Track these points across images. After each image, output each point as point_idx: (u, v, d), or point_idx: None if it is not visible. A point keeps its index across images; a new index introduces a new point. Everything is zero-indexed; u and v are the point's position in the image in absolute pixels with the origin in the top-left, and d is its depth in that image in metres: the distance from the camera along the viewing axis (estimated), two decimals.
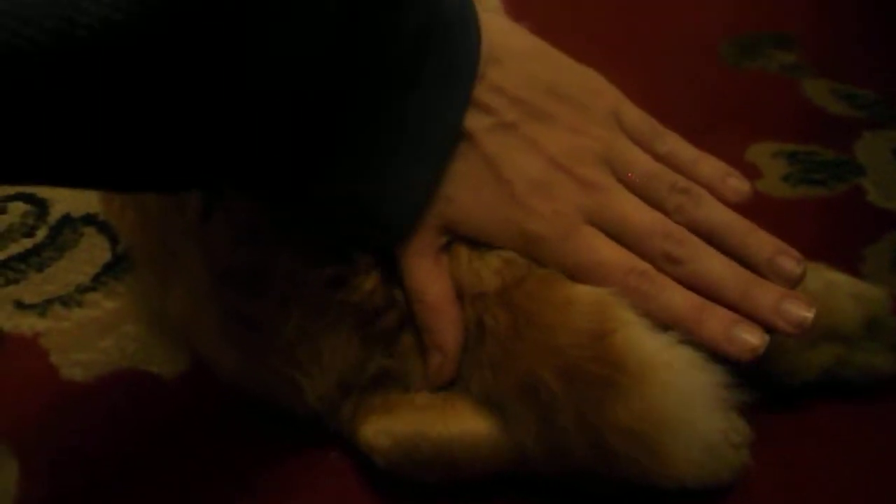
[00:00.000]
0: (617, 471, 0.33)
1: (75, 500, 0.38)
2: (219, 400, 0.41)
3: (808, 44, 0.63)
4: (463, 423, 0.35)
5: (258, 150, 0.32)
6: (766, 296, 0.34)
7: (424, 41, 0.33)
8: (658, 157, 0.37)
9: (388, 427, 0.35)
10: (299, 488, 0.38)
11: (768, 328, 0.34)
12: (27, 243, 0.52)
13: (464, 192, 0.35)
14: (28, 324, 0.47)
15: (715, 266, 0.35)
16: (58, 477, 0.39)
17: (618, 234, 0.35)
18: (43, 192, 0.55)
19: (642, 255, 0.35)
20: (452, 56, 0.34)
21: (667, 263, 0.35)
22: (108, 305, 0.47)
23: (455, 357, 0.35)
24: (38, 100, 0.26)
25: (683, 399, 0.32)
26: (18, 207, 0.54)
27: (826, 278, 0.37)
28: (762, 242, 0.35)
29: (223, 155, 0.31)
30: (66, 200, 0.54)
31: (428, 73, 0.33)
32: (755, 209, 0.37)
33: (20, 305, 0.48)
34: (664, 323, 0.34)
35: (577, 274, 0.35)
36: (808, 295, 0.35)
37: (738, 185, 0.38)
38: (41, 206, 0.54)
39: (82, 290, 0.48)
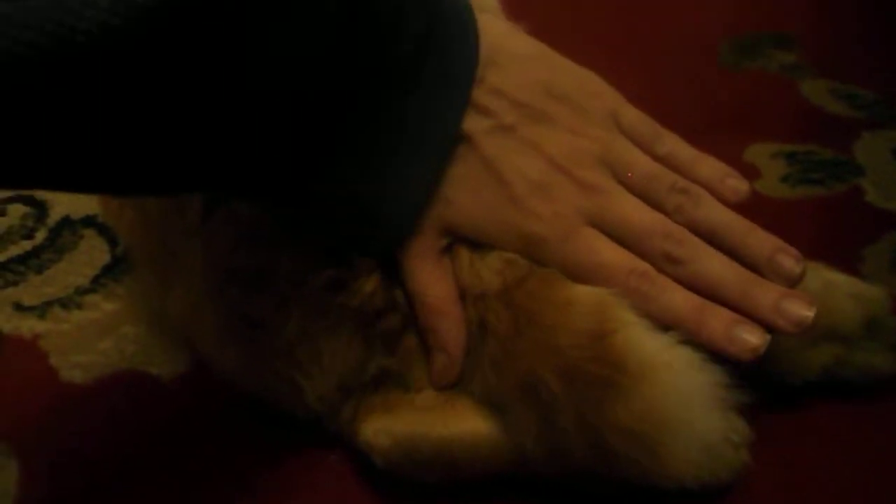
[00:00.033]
0: (617, 471, 0.33)
1: (75, 502, 0.38)
2: (218, 401, 0.41)
3: (808, 44, 0.63)
4: (463, 424, 0.35)
5: (258, 151, 0.32)
6: (766, 295, 0.34)
7: (424, 43, 0.33)
8: (657, 158, 0.38)
9: (388, 427, 0.36)
10: (299, 490, 0.38)
11: (769, 327, 0.34)
12: (26, 245, 0.52)
13: (463, 195, 0.35)
14: (27, 326, 0.47)
15: (715, 266, 0.35)
16: (57, 478, 0.39)
17: (618, 235, 0.35)
18: (42, 194, 0.55)
19: (642, 255, 0.35)
20: (451, 59, 0.34)
21: (667, 264, 0.35)
22: (108, 307, 0.47)
23: (459, 358, 0.36)
24: (39, 104, 0.26)
25: (683, 399, 0.32)
26: (18, 209, 0.54)
27: (825, 278, 0.37)
28: (762, 242, 0.35)
29: (223, 157, 0.31)
30: (65, 202, 0.54)
31: (428, 75, 0.33)
32: (754, 209, 0.37)
33: (19, 307, 0.48)
34: (665, 323, 0.34)
35: (577, 275, 0.35)
36: (808, 294, 0.35)
37: (737, 185, 0.38)
38: (40, 208, 0.54)
39: (82, 291, 0.48)
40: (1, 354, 0.45)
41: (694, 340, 0.33)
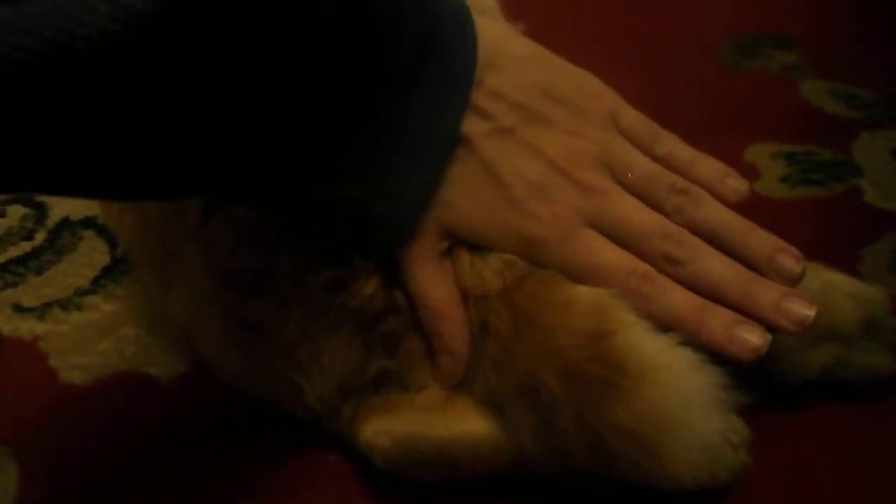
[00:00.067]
0: (616, 472, 0.33)
1: (75, 502, 0.38)
2: (218, 402, 0.42)
3: (807, 44, 0.63)
4: (463, 424, 0.35)
5: (258, 152, 0.32)
6: (767, 295, 0.34)
7: (424, 44, 0.33)
8: (656, 159, 0.38)
9: (388, 427, 0.36)
10: (299, 490, 0.38)
11: (770, 327, 0.34)
12: (26, 247, 0.52)
13: (462, 197, 0.35)
14: (27, 327, 0.47)
15: (715, 266, 0.35)
16: (57, 479, 0.39)
17: (617, 237, 0.35)
18: (42, 195, 0.55)
19: (642, 256, 0.35)
20: (450, 61, 0.34)
21: (667, 264, 0.35)
22: (107, 308, 0.48)
23: (463, 359, 0.36)
24: (38, 109, 0.26)
25: (683, 401, 0.32)
26: (17, 211, 0.54)
27: (824, 278, 0.37)
28: (762, 241, 0.35)
29: (223, 159, 0.31)
30: (64, 204, 0.54)
31: (427, 76, 0.33)
32: (753, 210, 0.37)
33: (19, 309, 0.48)
34: (665, 324, 0.34)
35: (577, 277, 0.35)
36: (808, 294, 0.35)
37: (736, 185, 0.38)
38: (40, 210, 0.54)
39: (81, 293, 0.48)
40: (0, 356, 0.45)
41: (694, 341, 0.33)
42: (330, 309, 0.36)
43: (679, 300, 0.34)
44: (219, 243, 0.37)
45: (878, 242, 0.47)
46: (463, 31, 0.35)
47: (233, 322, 0.38)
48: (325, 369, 0.37)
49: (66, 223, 0.53)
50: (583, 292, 0.34)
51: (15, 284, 0.49)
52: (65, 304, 0.48)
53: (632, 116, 0.38)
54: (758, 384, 0.34)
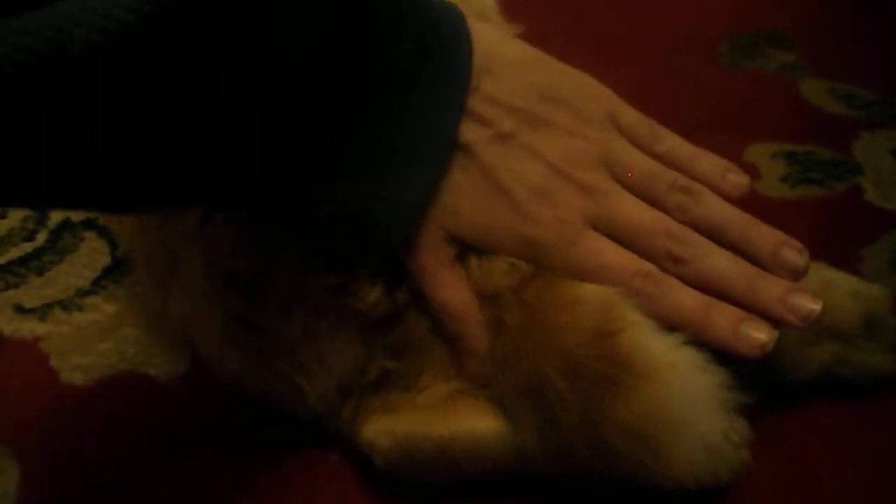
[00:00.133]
0: (618, 471, 0.33)
1: (75, 502, 0.39)
2: (218, 402, 0.42)
3: (807, 44, 0.63)
4: (464, 423, 0.35)
5: (258, 153, 0.32)
6: (772, 290, 0.34)
7: (422, 44, 0.33)
8: (656, 157, 0.38)
9: (388, 427, 0.36)
10: (299, 490, 0.38)
11: (776, 322, 0.34)
12: (27, 247, 0.52)
13: (466, 204, 0.35)
14: (28, 328, 0.47)
15: (719, 263, 0.35)
16: (58, 480, 0.39)
17: (620, 237, 0.35)
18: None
19: (646, 256, 0.35)
20: (450, 61, 0.34)
21: (671, 263, 0.35)
22: (108, 309, 0.48)
23: (486, 358, 0.36)
24: (37, 110, 0.26)
25: (687, 400, 0.32)
26: (18, 211, 0.54)
27: (825, 276, 0.38)
28: (764, 236, 0.36)
29: (223, 163, 0.31)
30: None
31: (426, 78, 0.33)
32: (753, 209, 0.37)
33: (20, 309, 0.48)
34: (671, 323, 0.34)
35: (582, 279, 0.35)
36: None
37: (737, 179, 0.38)
38: (41, 211, 0.54)
39: (82, 293, 0.48)
40: (2, 356, 0.45)
41: (699, 341, 0.33)
42: (333, 309, 0.36)
43: (684, 299, 0.34)
44: (219, 244, 0.37)
45: (879, 242, 0.47)
46: (458, 36, 0.35)
47: (233, 322, 0.38)
48: (328, 369, 0.37)
49: (66, 224, 0.53)
50: (589, 291, 0.34)
51: (16, 285, 0.49)
52: (66, 305, 0.48)
53: (630, 115, 0.38)
54: (758, 384, 0.34)
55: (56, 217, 0.53)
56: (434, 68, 0.34)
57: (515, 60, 0.37)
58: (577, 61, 0.39)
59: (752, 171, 0.52)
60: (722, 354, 0.33)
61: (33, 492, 0.39)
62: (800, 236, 0.36)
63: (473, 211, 0.35)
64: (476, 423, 0.35)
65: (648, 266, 0.35)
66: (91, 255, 0.51)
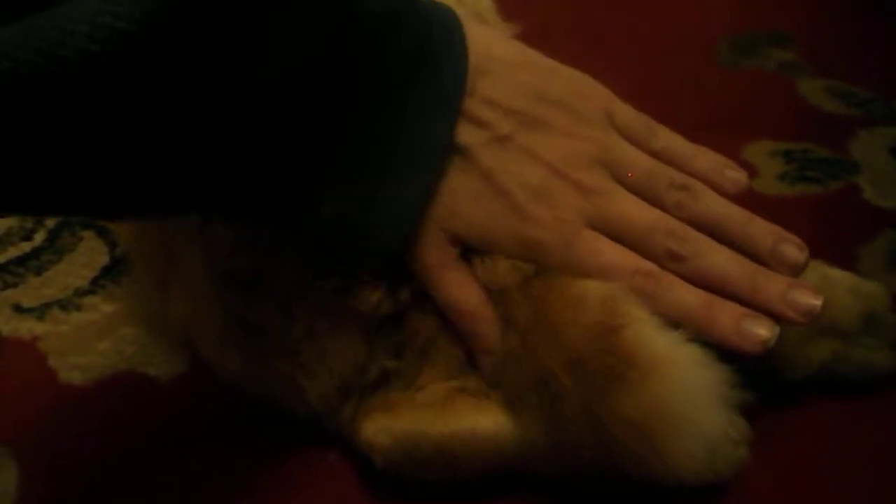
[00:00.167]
0: (620, 466, 0.33)
1: (74, 502, 0.39)
2: (217, 401, 0.42)
3: (805, 42, 0.63)
4: (463, 421, 0.35)
5: (254, 158, 0.32)
6: (772, 286, 0.34)
7: (415, 52, 0.33)
8: (654, 154, 0.38)
9: (388, 425, 0.36)
10: (298, 489, 0.38)
11: (777, 318, 0.34)
12: (26, 247, 0.52)
13: (466, 206, 0.35)
14: (26, 327, 0.47)
15: (719, 260, 0.35)
16: (57, 480, 0.39)
17: (620, 236, 0.35)
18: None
19: (646, 254, 0.35)
20: (441, 71, 0.34)
21: (671, 261, 0.35)
22: (107, 308, 0.48)
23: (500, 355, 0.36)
24: (19, 133, 0.26)
25: (689, 396, 0.32)
26: None
27: (824, 274, 0.38)
28: (764, 232, 0.36)
29: (220, 170, 0.31)
30: None
31: (420, 85, 0.33)
32: (751, 207, 0.37)
33: (18, 309, 0.48)
34: (673, 321, 0.34)
35: (583, 278, 0.35)
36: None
37: (736, 176, 0.38)
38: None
39: (80, 293, 0.48)
40: (0, 356, 0.45)
41: (702, 337, 0.33)
42: (334, 309, 0.36)
43: (685, 297, 0.34)
44: (219, 244, 0.37)
45: (876, 240, 0.47)
46: (452, 40, 0.35)
47: (233, 322, 0.38)
48: (329, 369, 0.37)
49: (65, 223, 0.53)
50: (592, 287, 0.34)
51: (14, 285, 0.49)
52: (64, 305, 0.48)
53: (627, 113, 0.38)
54: (758, 381, 0.34)
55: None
56: (428, 72, 0.34)
57: (511, 62, 0.37)
58: (575, 61, 0.39)
59: (750, 169, 0.51)
60: (723, 352, 0.33)
61: (33, 492, 0.39)
62: (797, 234, 0.36)
63: (473, 213, 0.35)
64: (475, 422, 0.35)
65: (648, 265, 0.35)
66: (89, 255, 0.51)
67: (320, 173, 0.33)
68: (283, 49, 0.29)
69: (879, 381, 0.38)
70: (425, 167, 0.35)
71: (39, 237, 0.52)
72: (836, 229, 0.48)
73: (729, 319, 0.34)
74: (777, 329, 0.33)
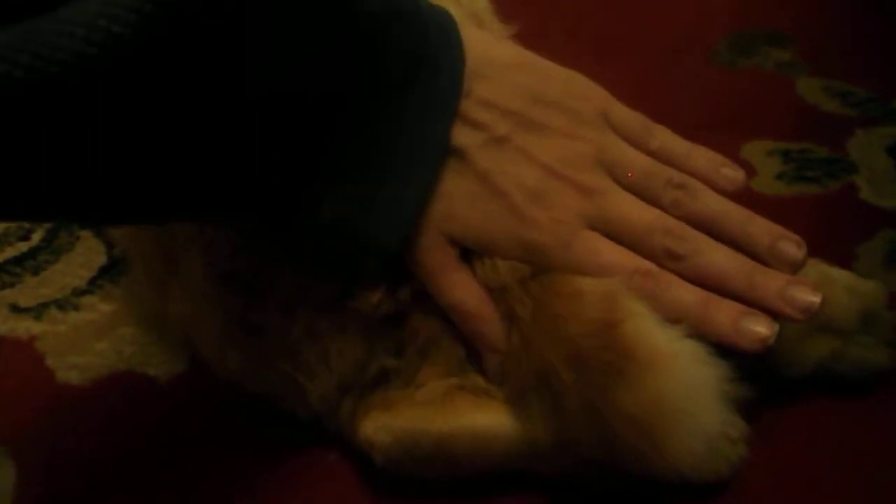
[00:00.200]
0: (620, 462, 0.33)
1: (72, 502, 0.38)
2: (216, 401, 0.42)
3: (803, 42, 0.63)
4: (463, 419, 0.35)
5: (257, 159, 0.32)
6: (770, 283, 0.34)
7: (411, 54, 0.33)
8: (651, 153, 0.38)
9: (387, 423, 0.36)
10: (298, 489, 0.38)
11: (775, 316, 0.34)
12: (23, 247, 0.52)
13: (463, 209, 0.35)
14: (24, 327, 0.47)
15: (717, 258, 0.35)
16: (54, 479, 0.39)
17: (618, 235, 0.35)
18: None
19: (644, 253, 0.35)
20: (437, 74, 0.34)
21: (669, 260, 0.35)
22: (104, 308, 0.47)
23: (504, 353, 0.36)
24: (16, 136, 0.26)
25: (688, 392, 0.32)
26: None
27: (821, 272, 0.38)
28: (762, 229, 0.36)
29: (225, 168, 0.31)
30: None
31: (416, 87, 0.34)
32: (750, 207, 0.37)
33: (16, 309, 0.48)
34: (672, 320, 0.34)
35: None
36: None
37: (732, 174, 0.38)
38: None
39: (78, 293, 0.48)
40: None
41: (701, 335, 0.33)
42: (335, 309, 0.36)
43: (684, 295, 0.34)
44: (219, 244, 0.37)
45: (874, 239, 0.47)
46: (449, 43, 0.35)
47: (233, 322, 0.38)
48: (330, 369, 0.37)
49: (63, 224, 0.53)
50: (591, 282, 0.34)
51: (12, 285, 0.49)
52: (62, 305, 0.48)
53: (623, 113, 0.38)
54: (756, 378, 0.34)
55: None
56: (426, 74, 0.34)
57: (507, 63, 0.37)
58: (576, 61, 0.39)
59: (748, 168, 0.52)
60: (722, 348, 0.33)
61: (30, 491, 0.39)
62: (795, 233, 0.36)
63: (470, 215, 0.35)
64: (475, 419, 0.35)
65: (647, 264, 0.35)
66: (87, 255, 0.51)
67: (320, 173, 0.33)
68: (283, 50, 0.29)
69: (877, 379, 0.38)
70: (425, 168, 0.35)
71: (37, 237, 0.52)
72: (834, 229, 0.48)
73: (727, 317, 0.34)
74: (776, 327, 0.34)
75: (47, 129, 0.26)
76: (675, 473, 0.32)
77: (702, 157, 0.38)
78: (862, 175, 0.51)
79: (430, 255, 0.35)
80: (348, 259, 0.36)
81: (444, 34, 0.35)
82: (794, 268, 0.35)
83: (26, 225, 0.53)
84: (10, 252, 0.51)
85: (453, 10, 0.36)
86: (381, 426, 0.36)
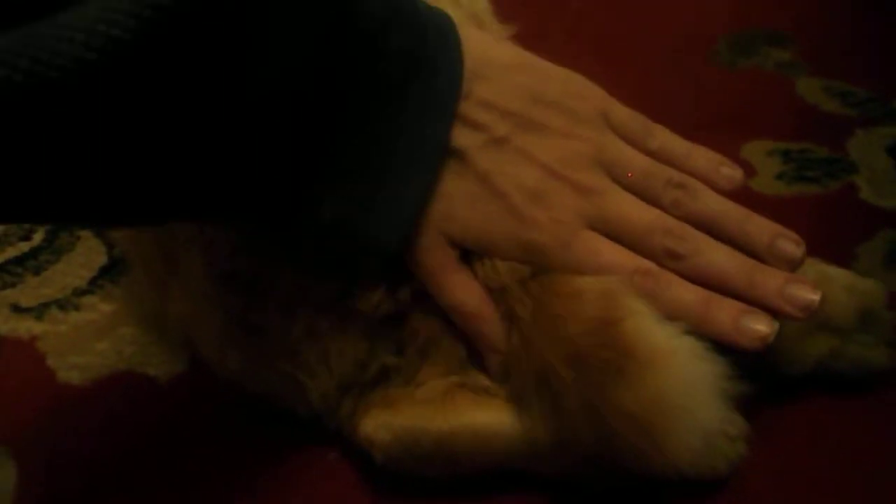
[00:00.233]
0: (620, 459, 0.33)
1: (73, 502, 0.39)
2: (216, 401, 0.42)
3: (803, 42, 0.63)
4: (463, 417, 0.35)
5: (258, 159, 0.32)
6: (770, 282, 0.34)
7: (409, 55, 0.33)
8: (650, 153, 0.38)
9: (387, 421, 0.36)
10: (298, 488, 0.38)
11: (775, 314, 0.34)
12: (24, 247, 0.52)
13: (463, 210, 0.35)
14: (25, 327, 0.47)
15: (717, 257, 0.35)
16: (55, 479, 0.39)
17: (618, 235, 0.36)
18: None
19: (644, 253, 0.35)
20: (435, 75, 0.34)
21: (669, 259, 0.35)
22: (105, 308, 0.48)
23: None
24: (15, 140, 0.26)
25: (688, 389, 0.32)
26: None
27: (820, 271, 0.38)
28: (761, 228, 0.36)
29: (225, 169, 0.31)
30: None
31: (414, 89, 0.34)
32: (749, 207, 0.37)
33: (17, 309, 0.48)
34: (672, 319, 0.34)
35: None
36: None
37: (731, 173, 0.38)
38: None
39: (79, 293, 0.48)
40: None
41: (701, 333, 0.33)
42: (335, 309, 0.36)
43: (684, 294, 0.34)
44: (219, 244, 0.37)
45: (874, 239, 0.47)
46: (447, 44, 0.35)
47: (233, 322, 0.38)
48: (330, 367, 0.37)
49: None
50: (590, 282, 0.34)
51: (13, 285, 0.49)
52: (63, 305, 0.48)
53: (622, 113, 0.38)
54: (757, 377, 0.34)
55: None
56: (425, 76, 0.34)
57: (506, 64, 0.37)
58: (572, 61, 0.39)
59: (748, 168, 0.52)
60: (721, 345, 0.33)
61: (31, 491, 0.39)
62: (795, 233, 0.36)
63: (470, 216, 0.35)
64: (474, 417, 0.35)
65: (647, 263, 0.35)
66: (88, 255, 0.51)
67: (320, 173, 0.33)
68: (281, 53, 0.30)
69: (877, 378, 0.38)
70: (424, 168, 0.35)
71: (38, 237, 0.52)
72: (833, 229, 0.48)
73: (727, 316, 0.34)
74: (776, 325, 0.34)
75: (47, 133, 0.26)
76: (674, 470, 0.32)
77: (701, 156, 0.38)
78: (862, 175, 0.52)
79: (431, 256, 0.35)
80: (348, 259, 0.36)
81: (443, 36, 0.35)
82: (794, 265, 0.35)
83: (27, 225, 0.53)
84: (11, 252, 0.51)
85: (453, 11, 0.37)
86: (382, 424, 0.36)
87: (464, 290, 0.36)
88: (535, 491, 0.37)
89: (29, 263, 0.50)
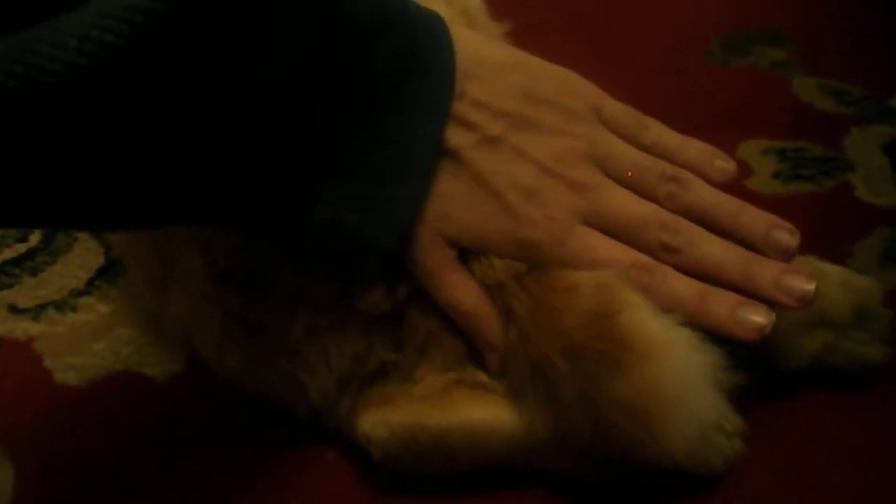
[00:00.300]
0: (615, 450, 0.33)
1: (71, 503, 0.39)
2: (213, 401, 0.42)
3: (798, 40, 0.64)
4: (460, 413, 0.35)
5: (257, 160, 0.32)
6: (765, 273, 0.34)
7: (401, 57, 0.33)
8: (643, 147, 0.38)
9: (385, 418, 0.36)
10: (296, 487, 0.38)
11: (771, 304, 0.34)
12: (21, 248, 0.52)
13: (458, 209, 0.35)
14: (22, 328, 0.47)
15: (712, 250, 0.35)
16: (53, 480, 0.39)
17: (613, 230, 0.36)
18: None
19: (640, 247, 0.35)
20: (427, 76, 0.34)
21: (665, 253, 0.35)
22: (102, 309, 0.48)
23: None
24: (10, 145, 0.26)
25: (684, 379, 0.32)
26: None
27: (815, 267, 0.38)
28: (755, 219, 0.36)
29: (226, 170, 0.31)
30: None
31: (407, 90, 0.34)
32: None
33: (14, 310, 0.48)
34: (669, 312, 0.34)
35: None
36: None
37: (724, 165, 0.38)
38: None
39: (76, 294, 0.48)
40: None
41: (698, 325, 0.33)
42: (334, 307, 0.36)
43: (680, 288, 0.34)
44: (219, 243, 0.38)
45: (869, 237, 0.47)
46: (439, 45, 0.35)
47: (233, 322, 0.38)
48: (329, 365, 0.37)
49: None
50: (585, 276, 0.34)
51: (10, 286, 0.49)
52: (59, 305, 0.48)
53: (615, 108, 0.39)
54: (753, 372, 0.34)
55: None
56: (415, 77, 0.34)
57: (500, 63, 0.37)
58: (566, 59, 0.39)
59: (744, 167, 0.52)
60: (717, 337, 0.33)
61: (29, 492, 0.39)
62: None
63: (466, 216, 0.35)
64: (472, 413, 0.35)
65: (643, 257, 0.35)
66: (85, 256, 0.51)
67: (318, 174, 0.33)
68: (272, 57, 0.30)
69: (873, 374, 0.39)
70: (420, 168, 0.35)
71: (35, 238, 0.52)
72: (829, 227, 0.48)
73: (724, 308, 0.34)
74: (773, 316, 0.34)
75: (43, 138, 0.26)
76: (670, 461, 0.32)
77: (694, 149, 0.39)
78: (857, 173, 0.52)
79: (428, 256, 0.36)
80: (347, 259, 0.36)
81: (434, 37, 0.35)
82: (788, 255, 0.35)
83: None
84: (8, 253, 0.51)
85: (444, 9, 0.37)
86: (380, 421, 0.36)
87: (462, 289, 0.36)
88: (533, 487, 0.37)
89: (26, 265, 0.50)
